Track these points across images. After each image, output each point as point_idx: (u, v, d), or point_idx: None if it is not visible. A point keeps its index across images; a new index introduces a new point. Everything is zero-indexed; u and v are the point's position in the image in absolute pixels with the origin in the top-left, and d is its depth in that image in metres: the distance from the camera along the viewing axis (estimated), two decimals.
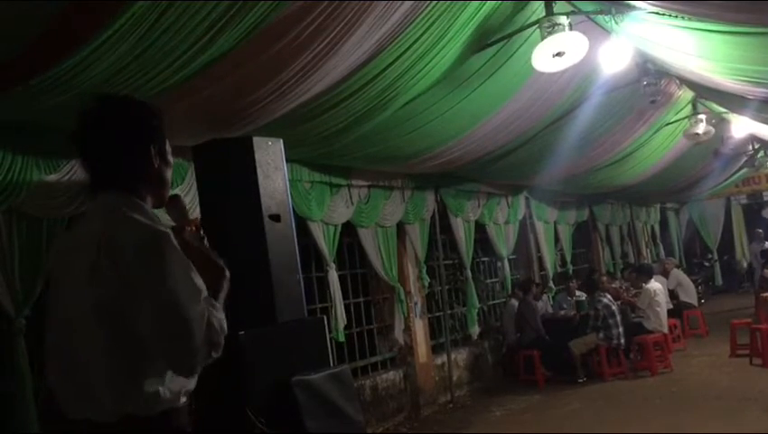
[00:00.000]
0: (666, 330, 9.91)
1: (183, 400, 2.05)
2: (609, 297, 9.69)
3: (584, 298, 10.54)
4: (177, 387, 2.01)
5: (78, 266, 1.96)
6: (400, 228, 8.43)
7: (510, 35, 5.47)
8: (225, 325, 2.02)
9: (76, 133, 2.05)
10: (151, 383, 1.95)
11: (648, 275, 10.41)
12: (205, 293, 1.98)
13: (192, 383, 2.07)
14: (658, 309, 9.83)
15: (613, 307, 9.45)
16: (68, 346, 1.99)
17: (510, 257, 10.89)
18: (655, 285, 10.13)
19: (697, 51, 5.82)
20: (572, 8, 5.49)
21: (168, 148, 2.16)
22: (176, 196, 2.28)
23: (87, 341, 1.94)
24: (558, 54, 5.18)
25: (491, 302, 10.89)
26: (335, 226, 7.24)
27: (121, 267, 1.89)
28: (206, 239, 2.25)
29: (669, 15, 4.94)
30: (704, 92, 8.53)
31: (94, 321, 1.92)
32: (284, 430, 3.99)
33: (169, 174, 2.15)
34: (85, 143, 2.06)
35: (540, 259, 11.89)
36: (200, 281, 1.98)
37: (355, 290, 8.24)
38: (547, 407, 8.26)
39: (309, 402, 4.13)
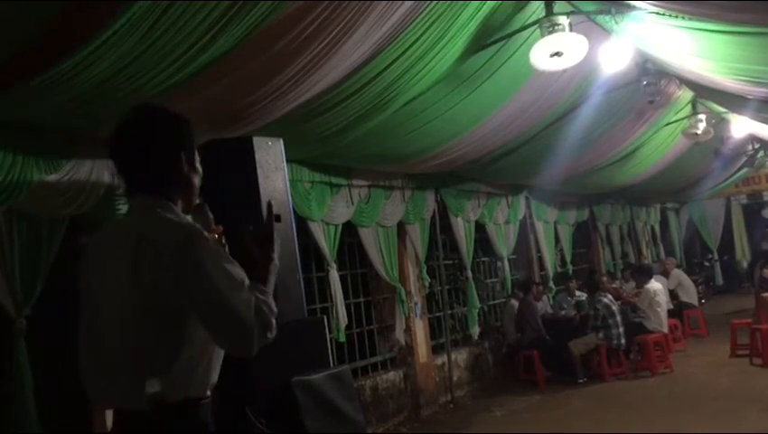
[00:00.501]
0: (666, 330, 9.92)
1: (209, 393, 2.15)
2: (610, 297, 9.69)
3: (584, 298, 10.55)
4: (206, 379, 2.12)
5: (117, 264, 2.07)
6: (401, 228, 8.43)
7: (510, 35, 5.47)
8: (274, 307, 2.13)
9: (112, 141, 2.19)
10: (183, 374, 2.05)
11: (648, 275, 10.41)
12: (246, 280, 2.09)
13: (215, 377, 2.16)
14: (658, 309, 9.84)
15: (614, 308, 9.45)
16: (104, 339, 2.10)
17: (511, 257, 10.89)
18: (655, 285, 10.13)
19: (697, 51, 5.82)
20: (572, 8, 5.49)
21: (197, 157, 2.28)
22: (202, 204, 2.37)
23: (125, 334, 2.05)
24: (557, 54, 5.18)
25: (491, 302, 10.89)
26: (336, 226, 7.23)
27: (161, 263, 2.00)
28: (227, 247, 2.36)
29: (669, 15, 4.94)
30: (704, 92, 8.53)
31: (135, 315, 2.03)
32: (284, 430, 4.00)
33: (197, 180, 2.27)
34: (121, 151, 2.19)
35: (540, 259, 11.89)
36: (238, 270, 2.09)
37: (355, 290, 8.24)
38: (547, 407, 8.26)
39: (309, 402, 4.13)
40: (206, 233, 2.27)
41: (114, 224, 2.36)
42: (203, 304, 2.02)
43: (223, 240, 2.38)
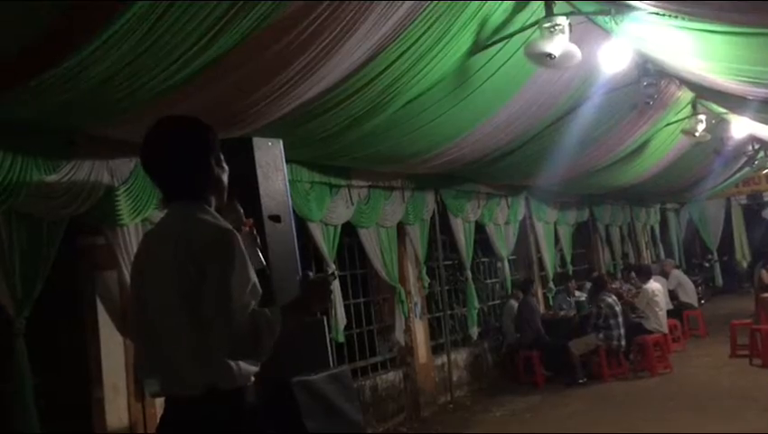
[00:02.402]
0: (665, 330, 9.92)
1: (252, 379, 2.32)
2: (614, 297, 9.69)
3: (583, 299, 10.54)
4: (249, 367, 2.28)
5: (162, 261, 2.27)
6: (400, 228, 8.43)
7: (511, 35, 5.47)
8: (274, 328, 2.26)
9: (145, 154, 2.39)
10: (232, 363, 2.21)
11: (647, 275, 10.42)
12: (259, 291, 2.25)
13: (256, 367, 2.32)
14: (657, 310, 9.84)
15: (617, 308, 9.45)
16: (154, 328, 2.28)
17: (510, 257, 10.89)
18: (654, 285, 10.14)
19: (696, 51, 5.82)
20: (572, 8, 5.49)
21: (222, 156, 2.45)
22: (231, 200, 2.54)
23: (173, 323, 2.22)
24: (550, 56, 5.20)
25: (491, 302, 10.88)
26: (335, 227, 7.23)
27: (195, 258, 2.19)
28: (258, 239, 2.58)
29: (669, 16, 4.94)
30: (704, 93, 8.53)
31: (179, 306, 2.20)
32: (284, 430, 4.00)
33: (225, 178, 2.44)
34: (154, 162, 2.39)
35: (540, 260, 11.89)
36: (255, 278, 2.26)
37: (355, 291, 8.24)
38: (546, 407, 8.26)
39: (309, 403, 4.13)
40: (241, 227, 2.50)
41: (155, 230, 2.53)
42: (213, 295, 2.16)
43: (254, 231, 2.58)
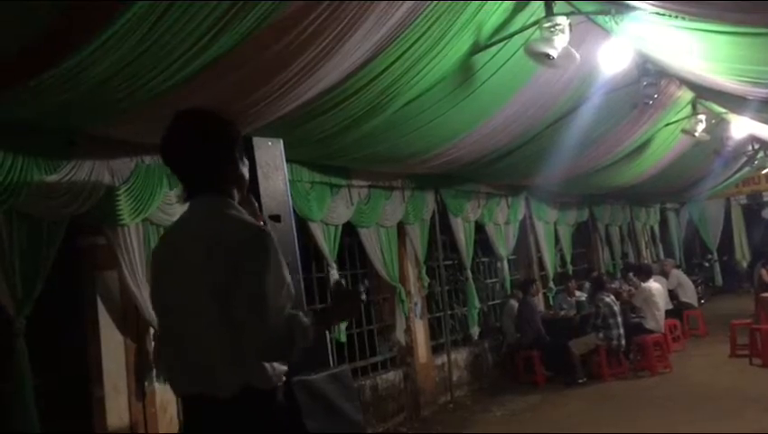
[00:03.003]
0: (663, 330, 9.91)
1: (284, 379, 2.31)
2: (612, 297, 9.69)
3: (584, 299, 10.54)
4: (281, 367, 2.28)
5: (192, 258, 2.21)
6: (400, 228, 8.43)
7: (511, 35, 5.47)
8: (308, 333, 2.18)
9: (166, 148, 2.33)
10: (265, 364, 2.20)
11: (646, 274, 10.44)
12: (293, 292, 2.21)
13: (286, 367, 2.32)
14: (655, 309, 9.84)
15: (615, 308, 9.45)
16: (184, 327, 2.22)
17: (510, 257, 10.89)
18: (652, 284, 10.15)
19: (696, 51, 5.81)
20: (572, 8, 5.49)
21: (242, 150, 2.43)
22: (248, 193, 2.53)
23: (205, 322, 2.17)
24: (548, 56, 5.21)
25: (491, 302, 10.89)
26: (335, 226, 7.23)
27: (230, 257, 2.13)
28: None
29: (669, 16, 4.94)
30: (704, 93, 8.53)
31: (212, 305, 2.15)
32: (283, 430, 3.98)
33: (246, 172, 2.43)
34: (177, 156, 2.34)
35: (540, 260, 11.89)
36: (289, 278, 2.23)
37: None
38: (546, 407, 8.26)
39: (309, 402, 4.13)
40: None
41: (178, 226, 2.46)
42: (248, 296, 2.11)
43: (267, 226, 2.52)
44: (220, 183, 2.33)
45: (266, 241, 2.18)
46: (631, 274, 11.77)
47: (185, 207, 2.40)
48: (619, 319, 9.39)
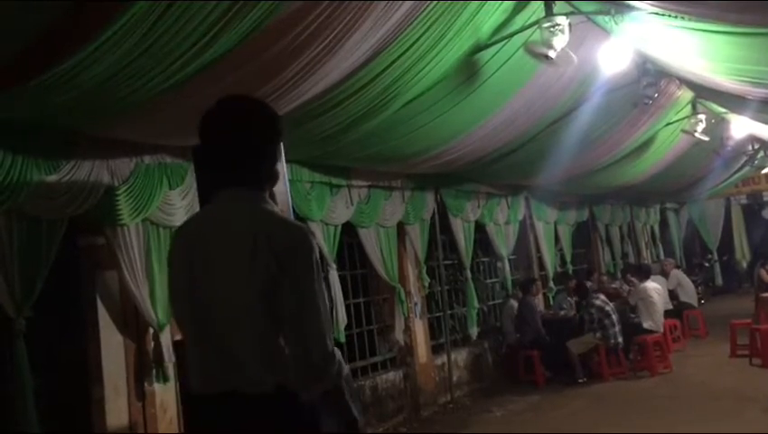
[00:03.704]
0: (661, 329, 9.91)
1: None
2: (603, 297, 9.69)
3: (582, 302, 10.53)
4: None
5: (237, 254, 2.12)
6: (400, 228, 8.43)
7: (511, 35, 5.47)
8: (343, 372, 2.18)
9: (208, 132, 2.22)
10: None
11: (645, 274, 10.45)
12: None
13: None
14: (652, 309, 9.84)
15: (607, 308, 9.45)
16: (225, 324, 2.14)
17: (510, 257, 10.89)
18: (650, 284, 10.16)
19: (696, 51, 5.82)
20: (572, 8, 5.49)
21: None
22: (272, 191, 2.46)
23: (249, 320, 2.11)
24: (547, 57, 5.21)
25: (491, 302, 10.89)
26: (335, 226, 7.23)
27: (278, 258, 2.07)
28: None
29: (669, 16, 4.94)
30: (704, 92, 8.53)
31: (258, 302, 2.09)
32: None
33: (281, 169, 2.37)
34: (221, 141, 2.21)
35: (540, 260, 11.89)
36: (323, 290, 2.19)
37: (355, 291, 8.24)
38: (546, 407, 8.26)
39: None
40: None
41: (211, 218, 2.31)
42: (300, 302, 2.09)
43: None
44: (259, 177, 2.24)
45: (313, 247, 2.14)
46: (628, 275, 11.78)
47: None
48: (614, 318, 9.39)
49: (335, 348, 2.16)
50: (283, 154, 4.72)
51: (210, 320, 2.16)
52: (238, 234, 2.14)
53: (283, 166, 4.65)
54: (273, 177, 2.30)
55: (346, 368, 2.20)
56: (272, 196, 2.38)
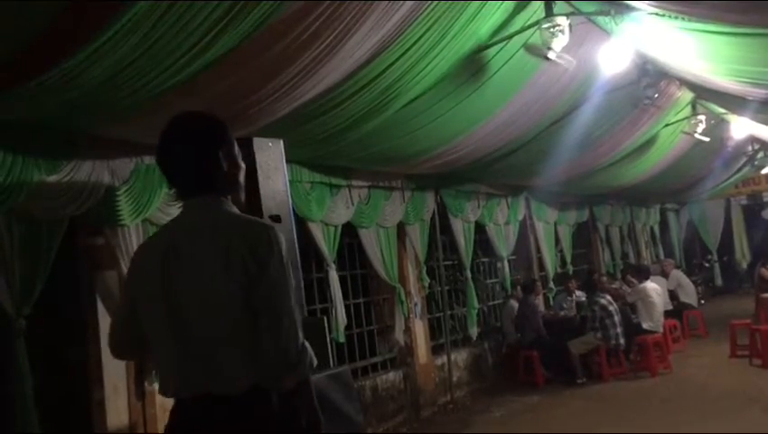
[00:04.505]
0: (661, 330, 9.91)
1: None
2: (608, 297, 9.68)
3: (584, 299, 10.54)
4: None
5: (209, 257, 2.20)
6: (400, 228, 8.43)
7: (511, 36, 5.48)
8: (314, 359, 2.26)
9: (159, 151, 2.35)
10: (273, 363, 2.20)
11: (644, 275, 10.45)
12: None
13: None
14: (651, 309, 9.84)
15: (611, 308, 9.44)
16: (198, 327, 2.21)
17: (510, 257, 10.89)
18: (649, 284, 10.16)
19: (696, 52, 5.82)
20: (572, 9, 5.49)
21: (238, 153, 2.43)
22: (239, 195, 2.52)
23: (223, 320, 2.19)
24: (546, 57, 5.23)
25: (491, 303, 10.89)
26: (335, 227, 7.23)
27: (254, 256, 2.17)
28: None
29: (669, 16, 4.94)
30: (703, 93, 8.53)
31: (233, 302, 2.17)
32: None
33: (241, 176, 2.44)
34: (167, 158, 2.36)
35: (540, 260, 11.89)
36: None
37: (355, 291, 8.24)
38: (547, 408, 8.26)
39: None
40: None
41: (180, 226, 2.42)
42: (270, 302, 2.18)
43: None
44: (208, 184, 2.34)
45: (282, 239, 2.25)
46: (628, 276, 11.78)
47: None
48: (616, 319, 9.38)
49: (305, 340, 2.22)
50: (283, 154, 4.74)
51: (187, 323, 2.22)
52: (210, 238, 2.24)
53: (283, 166, 4.67)
54: (233, 182, 2.40)
55: (315, 361, 2.26)
56: (236, 202, 2.45)
